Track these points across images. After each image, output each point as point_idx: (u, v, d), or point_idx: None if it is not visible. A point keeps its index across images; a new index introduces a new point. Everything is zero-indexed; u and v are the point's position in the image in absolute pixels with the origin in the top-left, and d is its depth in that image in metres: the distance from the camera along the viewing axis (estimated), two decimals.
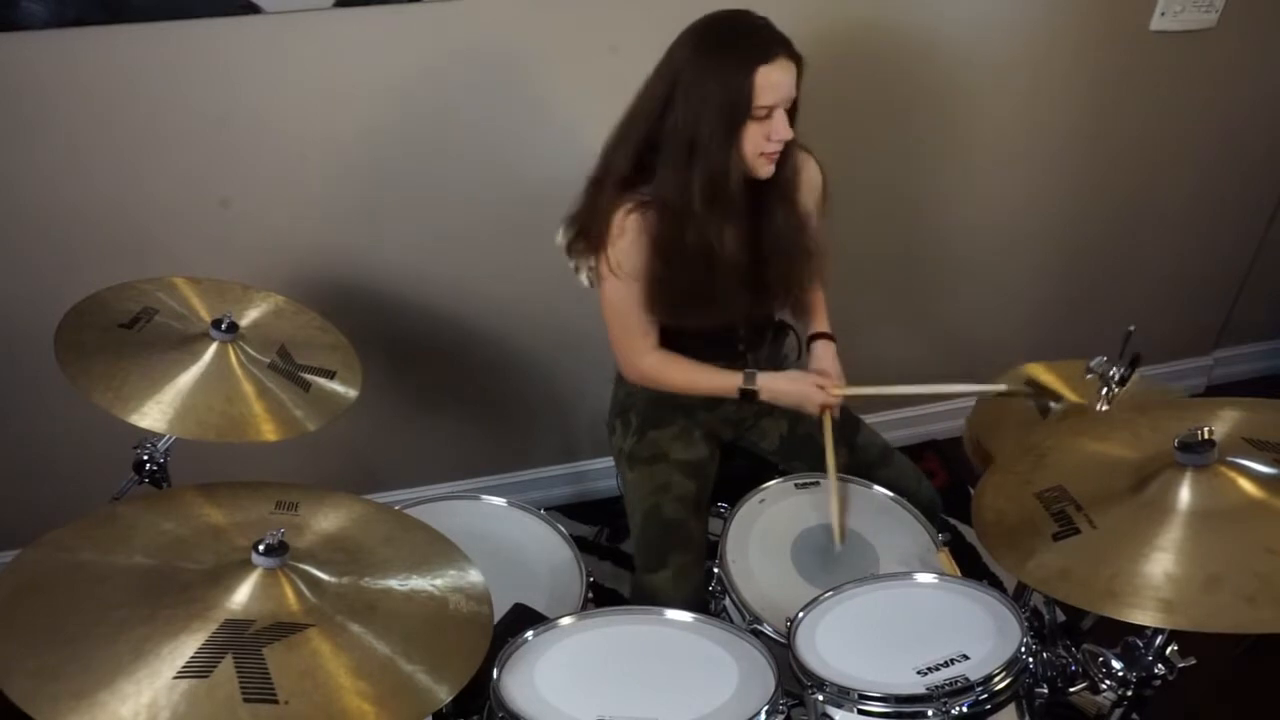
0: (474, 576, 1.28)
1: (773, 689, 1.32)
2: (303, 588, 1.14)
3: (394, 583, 1.22)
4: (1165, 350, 2.90)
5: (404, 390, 2.32)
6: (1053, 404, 1.73)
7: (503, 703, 1.30)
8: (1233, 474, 1.20)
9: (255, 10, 1.79)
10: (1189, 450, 1.21)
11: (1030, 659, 1.36)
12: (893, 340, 2.59)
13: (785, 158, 1.65)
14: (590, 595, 1.65)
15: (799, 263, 1.75)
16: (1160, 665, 1.31)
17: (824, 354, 1.86)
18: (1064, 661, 1.39)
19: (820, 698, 1.33)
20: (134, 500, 1.45)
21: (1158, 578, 1.13)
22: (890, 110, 2.26)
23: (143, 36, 1.76)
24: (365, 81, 1.92)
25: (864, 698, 1.30)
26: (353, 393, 1.64)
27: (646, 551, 1.78)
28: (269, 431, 1.48)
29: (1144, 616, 1.11)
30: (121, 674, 1.01)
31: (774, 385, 1.76)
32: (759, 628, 1.54)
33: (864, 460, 1.87)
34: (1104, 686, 1.35)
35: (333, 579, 1.18)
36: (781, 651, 1.41)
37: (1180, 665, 1.32)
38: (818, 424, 1.78)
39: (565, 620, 1.44)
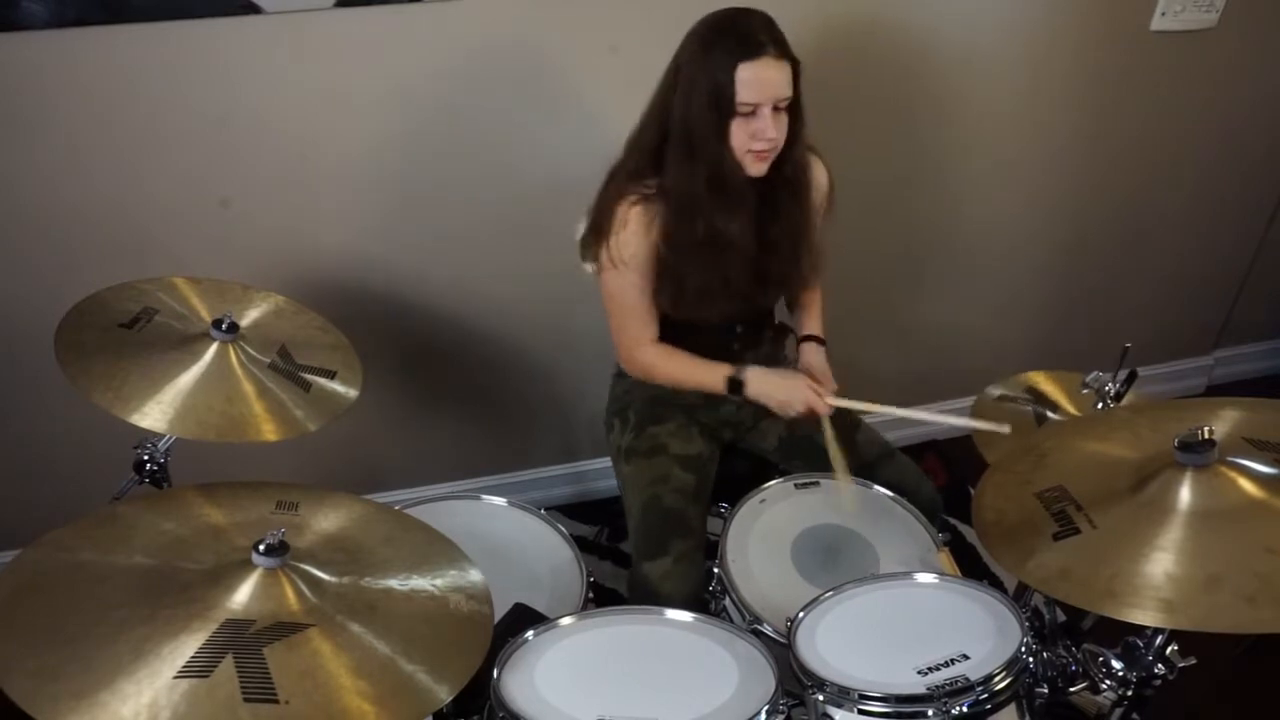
0: (474, 576, 1.28)
1: (773, 689, 1.32)
2: (303, 588, 1.14)
3: (394, 583, 1.22)
4: (1165, 350, 2.90)
5: (404, 390, 2.32)
6: (1050, 414, 1.73)
7: (503, 703, 1.30)
8: (1233, 474, 1.20)
9: (255, 10, 1.79)
10: (1189, 450, 1.21)
11: (1030, 659, 1.36)
12: (892, 340, 2.59)
13: (785, 158, 1.64)
14: (590, 595, 1.65)
15: (802, 261, 1.75)
16: (1160, 665, 1.32)
17: (813, 356, 1.86)
18: (1064, 661, 1.39)
19: (820, 697, 1.33)
20: (134, 500, 1.44)
21: (1158, 578, 1.13)
22: (890, 110, 2.26)
23: (143, 36, 1.76)
24: (365, 82, 1.93)
25: (864, 697, 1.30)
26: (353, 393, 1.64)
27: (646, 539, 1.74)
28: (269, 431, 1.48)
29: (1144, 616, 1.11)
30: (122, 674, 1.01)
31: (764, 379, 1.73)
32: (759, 628, 1.54)
33: (864, 460, 1.87)
34: (1104, 686, 1.35)
35: (333, 579, 1.18)
36: (781, 651, 1.41)
37: (1180, 665, 1.32)
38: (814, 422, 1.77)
39: (565, 620, 1.44)
